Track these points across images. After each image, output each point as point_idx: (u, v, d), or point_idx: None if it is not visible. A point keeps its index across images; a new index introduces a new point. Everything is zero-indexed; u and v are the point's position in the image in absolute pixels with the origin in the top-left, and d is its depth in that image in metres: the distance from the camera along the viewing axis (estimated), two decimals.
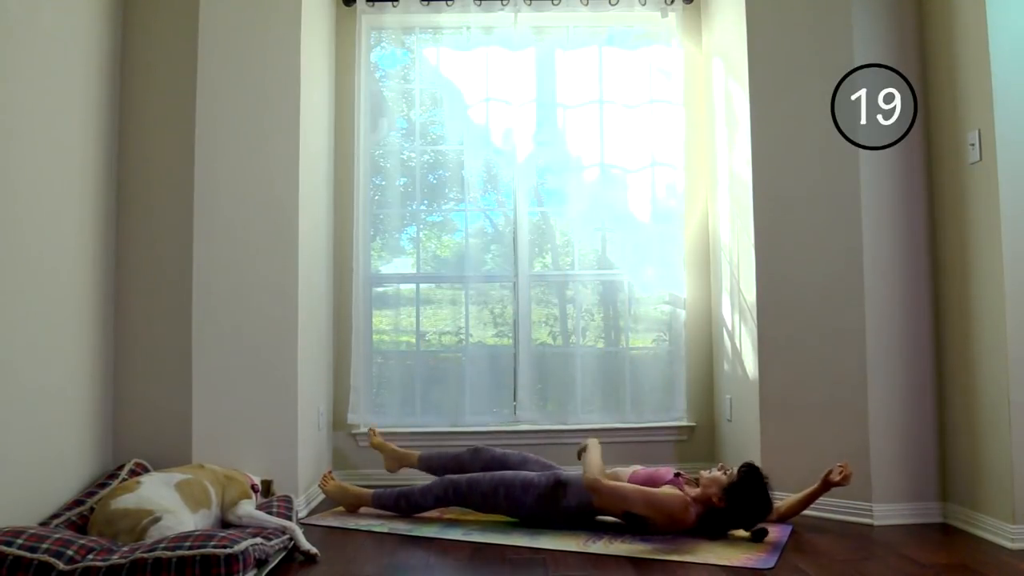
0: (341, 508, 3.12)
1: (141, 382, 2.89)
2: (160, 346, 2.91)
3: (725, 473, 2.68)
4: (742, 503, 2.61)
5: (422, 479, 3.15)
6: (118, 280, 2.92)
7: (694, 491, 2.67)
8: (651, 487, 2.69)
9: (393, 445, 3.34)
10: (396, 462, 3.30)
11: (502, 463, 3.05)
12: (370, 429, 3.43)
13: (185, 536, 2.07)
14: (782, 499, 2.89)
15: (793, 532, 2.74)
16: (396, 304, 3.91)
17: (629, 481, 2.76)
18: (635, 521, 2.66)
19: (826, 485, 2.74)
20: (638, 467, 2.87)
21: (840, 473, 2.71)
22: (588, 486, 2.70)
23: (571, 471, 2.88)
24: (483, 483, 2.85)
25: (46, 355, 2.45)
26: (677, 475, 2.74)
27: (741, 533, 2.68)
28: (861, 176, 2.96)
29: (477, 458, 3.09)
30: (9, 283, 2.27)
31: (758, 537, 2.60)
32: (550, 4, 3.81)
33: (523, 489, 2.80)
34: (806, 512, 2.94)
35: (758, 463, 3.08)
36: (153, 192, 2.95)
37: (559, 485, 2.77)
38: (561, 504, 2.76)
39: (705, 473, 2.71)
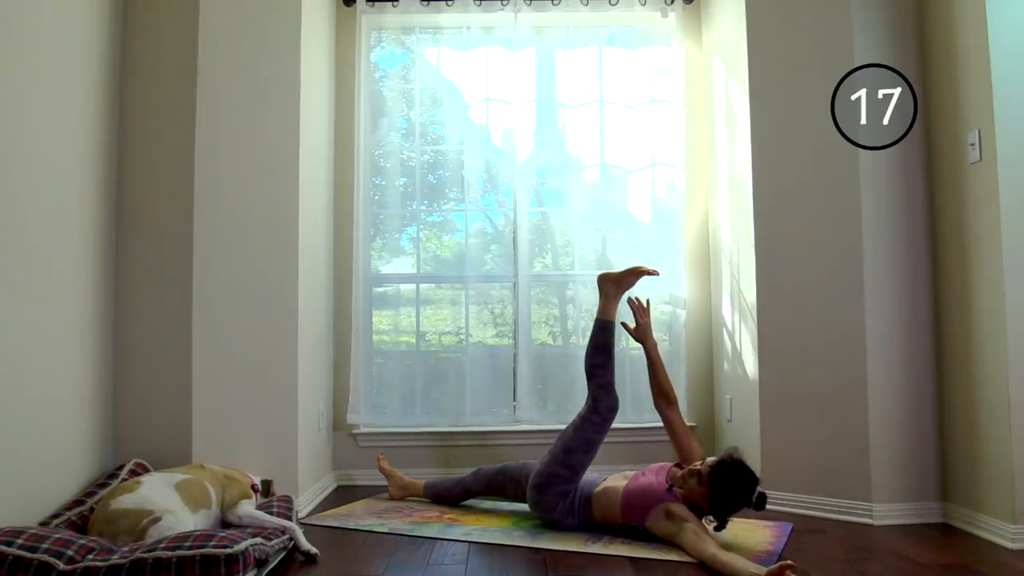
0: (342, 508, 3.12)
1: (141, 382, 2.89)
2: (160, 346, 2.91)
3: (701, 463, 2.55)
4: (723, 487, 2.47)
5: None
6: (118, 280, 2.92)
7: (680, 499, 2.56)
8: (648, 504, 2.59)
9: (400, 473, 3.36)
10: (402, 491, 3.32)
11: (502, 470, 3.09)
12: (379, 454, 3.46)
13: (185, 536, 2.07)
14: (778, 498, 2.90)
15: (793, 531, 2.74)
16: (396, 304, 3.91)
17: (624, 500, 2.64)
18: (639, 531, 2.64)
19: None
20: (628, 475, 2.76)
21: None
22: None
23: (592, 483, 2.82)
24: (512, 471, 3.03)
25: (46, 355, 2.45)
26: (670, 489, 2.59)
27: (749, 527, 2.67)
28: (861, 176, 2.96)
29: (479, 478, 3.14)
30: (9, 283, 2.27)
31: (760, 505, 2.47)
32: (550, 4, 3.81)
33: (548, 480, 2.79)
34: (806, 512, 2.95)
35: (758, 463, 3.09)
36: (153, 192, 2.95)
37: (577, 487, 2.78)
38: (576, 517, 2.75)
39: (680, 471, 2.62)
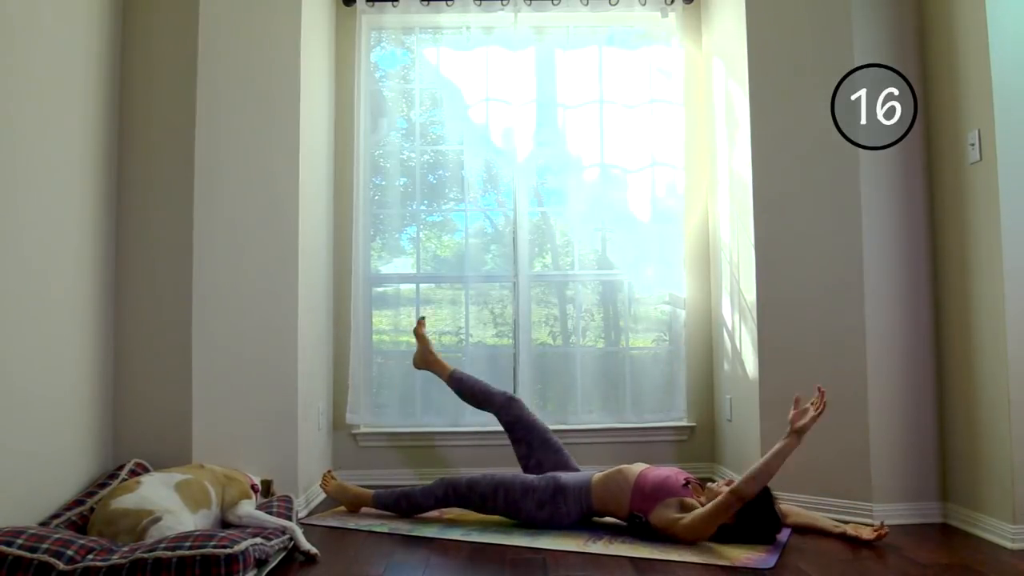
0: (342, 508, 3.12)
1: (141, 382, 2.89)
2: (160, 346, 2.91)
3: (728, 486, 2.58)
4: (752, 524, 2.56)
5: (419, 475, 3.14)
6: (118, 280, 2.92)
7: (702, 499, 2.62)
8: (660, 495, 2.63)
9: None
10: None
11: (528, 428, 3.06)
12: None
13: (185, 536, 2.07)
14: (778, 498, 2.90)
15: (793, 532, 2.74)
16: (396, 304, 3.91)
17: (637, 484, 2.67)
18: (636, 525, 2.66)
19: (848, 537, 2.62)
20: (643, 465, 2.80)
21: (875, 533, 2.56)
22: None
23: (569, 475, 2.86)
24: (482, 485, 2.84)
25: (46, 355, 2.45)
26: (686, 484, 2.65)
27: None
28: (861, 176, 2.96)
29: (508, 408, 3.10)
30: (8, 283, 2.27)
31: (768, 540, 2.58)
32: (550, 4, 3.81)
33: (523, 493, 2.79)
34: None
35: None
36: (153, 192, 2.95)
37: (558, 491, 2.76)
38: (560, 510, 2.76)
39: (713, 486, 2.63)
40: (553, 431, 3.12)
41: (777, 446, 2.46)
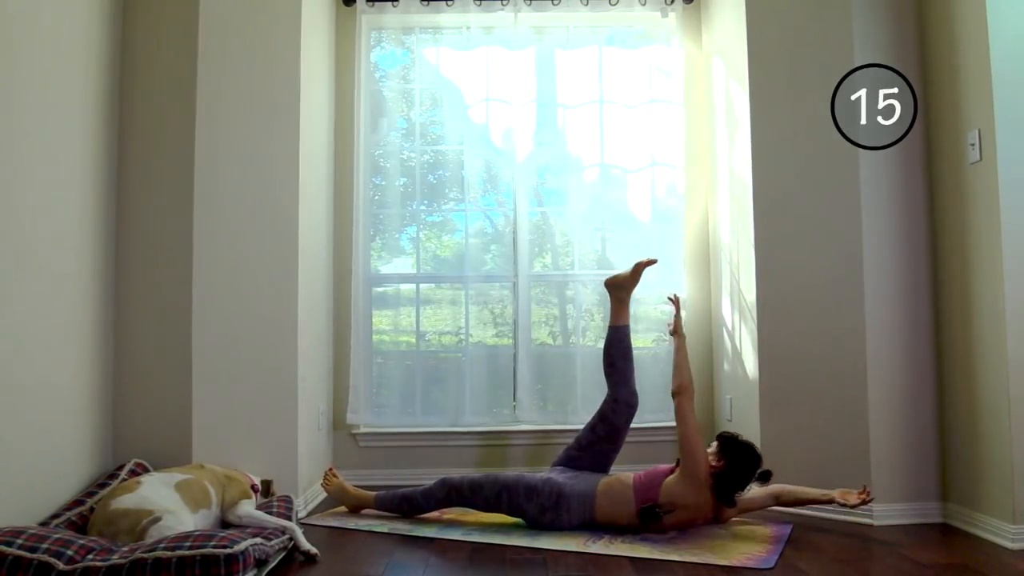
0: (342, 508, 3.12)
1: (141, 382, 2.89)
2: (160, 346, 2.91)
3: (716, 457, 2.77)
4: (736, 454, 2.72)
5: (419, 477, 3.14)
6: (118, 281, 2.92)
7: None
8: (657, 482, 2.73)
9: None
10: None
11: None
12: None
13: (185, 536, 2.07)
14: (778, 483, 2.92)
15: (793, 531, 2.74)
16: (396, 304, 3.91)
17: (636, 482, 2.76)
18: (650, 517, 2.67)
19: (832, 501, 2.73)
20: (629, 474, 2.85)
21: (859, 497, 2.66)
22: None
23: (573, 483, 2.84)
24: (485, 488, 2.84)
25: (46, 355, 2.45)
26: (677, 463, 2.79)
27: (748, 529, 2.69)
28: (861, 176, 2.96)
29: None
30: (8, 283, 2.27)
31: (765, 478, 2.75)
32: (550, 4, 3.81)
33: (526, 496, 2.79)
34: (806, 512, 2.95)
35: None
36: (153, 192, 2.95)
37: (561, 499, 2.77)
38: (562, 518, 2.76)
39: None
40: (553, 431, 3.13)
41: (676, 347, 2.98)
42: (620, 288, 3.15)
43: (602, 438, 3.04)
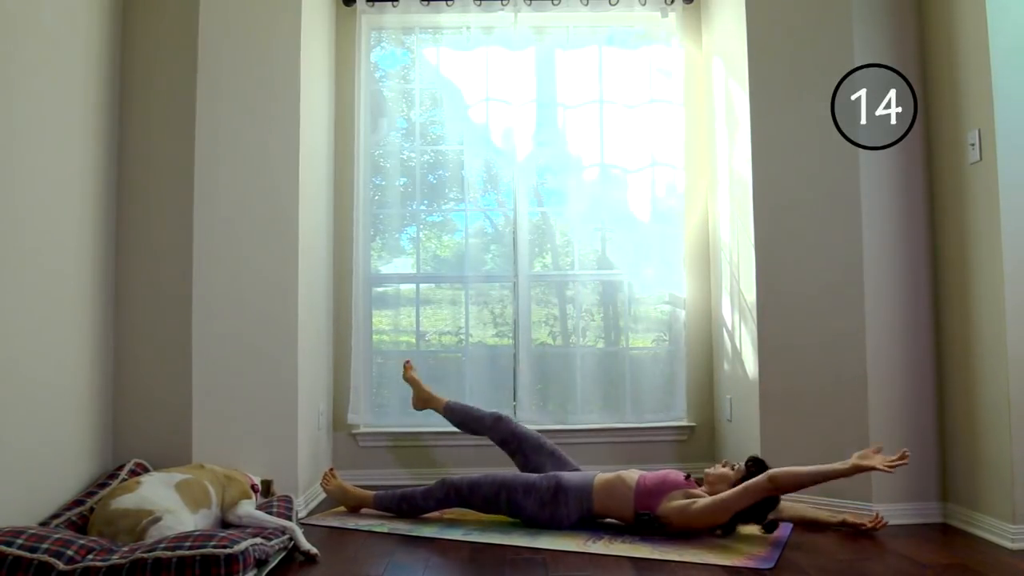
0: (342, 508, 3.12)
1: (141, 382, 2.89)
2: (160, 346, 2.91)
3: (732, 469, 2.69)
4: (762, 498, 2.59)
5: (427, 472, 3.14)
6: (118, 281, 2.92)
7: (702, 490, 2.69)
8: (664, 489, 2.68)
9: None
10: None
11: (520, 439, 3.06)
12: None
13: (185, 536, 2.07)
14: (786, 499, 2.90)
15: (793, 531, 2.74)
16: (396, 304, 3.91)
17: (639, 486, 2.71)
18: (645, 525, 2.66)
19: (848, 525, 2.74)
20: (638, 471, 2.83)
21: (872, 523, 2.70)
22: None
23: (571, 475, 2.86)
24: (484, 487, 2.85)
25: (46, 355, 2.45)
26: (687, 477, 2.72)
27: (750, 529, 2.68)
28: (861, 176, 2.96)
29: (497, 427, 3.10)
30: (9, 283, 2.27)
31: (770, 529, 2.65)
32: (550, 4, 3.81)
33: (524, 493, 2.80)
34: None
35: None
36: (153, 192, 2.95)
37: (559, 490, 2.77)
38: (561, 511, 2.76)
39: (710, 471, 2.73)
40: (553, 431, 3.13)
41: (832, 465, 2.50)
42: (425, 403, 3.29)
43: (517, 450, 3.07)
